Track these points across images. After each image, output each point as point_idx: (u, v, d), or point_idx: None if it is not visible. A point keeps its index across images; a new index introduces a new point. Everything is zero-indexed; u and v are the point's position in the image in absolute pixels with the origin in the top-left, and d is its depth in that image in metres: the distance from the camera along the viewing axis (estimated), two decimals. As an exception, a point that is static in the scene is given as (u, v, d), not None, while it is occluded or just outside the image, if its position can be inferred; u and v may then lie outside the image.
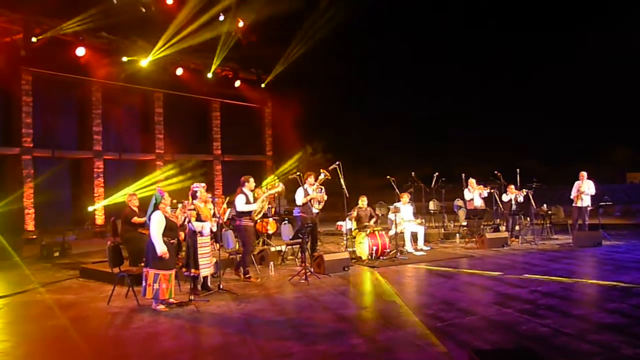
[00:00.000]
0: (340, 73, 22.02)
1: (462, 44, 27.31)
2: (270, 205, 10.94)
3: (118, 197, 15.82)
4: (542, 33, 27.57)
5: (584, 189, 13.20)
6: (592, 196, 13.34)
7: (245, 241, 9.29)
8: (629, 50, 25.25)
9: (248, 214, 9.08)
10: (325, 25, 18.76)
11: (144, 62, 16.02)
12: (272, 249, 10.95)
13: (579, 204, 13.30)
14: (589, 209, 13.36)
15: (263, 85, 20.22)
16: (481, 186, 13.70)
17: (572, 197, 13.48)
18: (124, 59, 15.66)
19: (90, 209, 16.11)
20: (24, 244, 12.84)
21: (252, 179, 9.37)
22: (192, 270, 7.70)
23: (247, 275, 9.12)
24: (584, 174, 13.40)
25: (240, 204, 9.04)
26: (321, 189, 10.59)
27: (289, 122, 21.14)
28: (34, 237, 13.92)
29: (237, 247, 10.30)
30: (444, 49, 27.18)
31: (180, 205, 7.56)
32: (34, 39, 13.58)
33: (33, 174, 15.04)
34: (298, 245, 10.67)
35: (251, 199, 9.14)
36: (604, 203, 14.39)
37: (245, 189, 9.17)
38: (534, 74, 27.65)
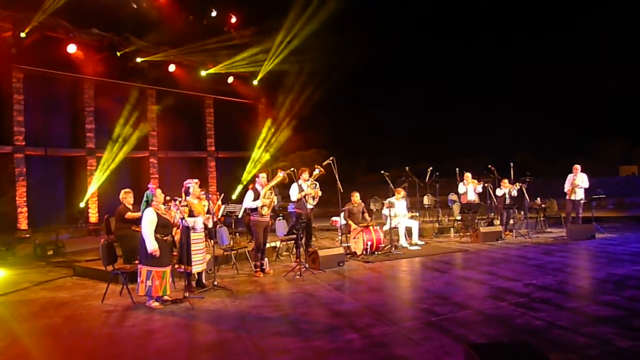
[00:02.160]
0: (333, 68, 21.99)
1: (457, 40, 27.34)
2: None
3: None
4: (536, 29, 27.65)
5: (578, 182, 13.24)
6: (585, 189, 13.39)
7: (253, 236, 9.49)
8: (622, 45, 25.35)
9: (256, 209, 9.11)
10: (317, 18, 18.69)
11: (138, 59, 15.97)
12: (267, 244, 10.92)
13: (572, 197, 13.35)
14: (582, 202, 13.42)
15: (255, 82, 20.16)
16: (475, 181, 13.73)
17: (565, 190, 13.52)
18: (118, 54, 15.53)
19: (81, 204, 16.02)
20: (17, 243, 12.77)
21: (263, 175, 9.44)
22: (185, 267, 7.68)
23: (256, 270, 9.16)
24: (578, 167, 13.45)
25: (247, 200, 9.27)
26: (315, 185, 10.57)
27: (283, 118, 21.13)
28: (27, 235, 13.86)
29: (231, 244, 10.29)
30: (440, 45, 27.21)
31: (172, 203, 7.53)
32: (22, 34, 13.40)
33: (25, 173, 14.95)
34: (292, 241, 10.68)
35: (262, 194, 9.17)
36: (597, 196, 14.44)
37: (257, 186, 9.25)
38: (527, 69, 27.71)
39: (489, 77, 28.13)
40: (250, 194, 9.22)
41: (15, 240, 13.08)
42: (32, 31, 13.69)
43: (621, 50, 25.78)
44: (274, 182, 9.51)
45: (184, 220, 7.51)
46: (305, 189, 10.33)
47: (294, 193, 10.35)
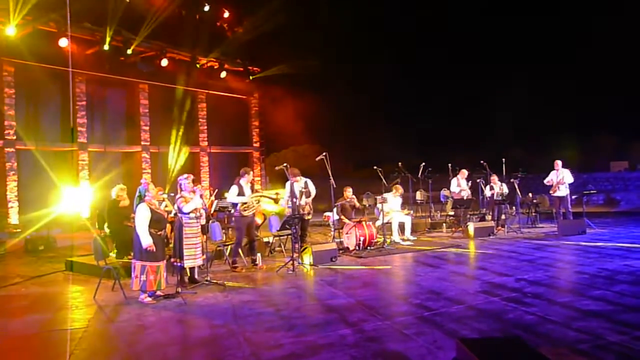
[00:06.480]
0: (325, 63, 21.96)
1: (450, 33, 27.37)
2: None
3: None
4: (528, 17, 27.72)
5: (566, 180, 13.24)
6: (570, 184, 13.40)
7: (236, 232, 9.42)
8: (615, 42, 25.47)
9: (237, 205, 9.09)
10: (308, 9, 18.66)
11: (129, 51, 15.86)
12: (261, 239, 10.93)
13: (558, 194, 13.38)
14: (569, 197, 13.44)
15: (251, 78, 20.12)
16: (464, 171, 13.88)
17: (546, 182, 13.55)
18: (106, 47, 15.37)
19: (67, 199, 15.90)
20: (7, 238, 12.70)
21: (251, 172, 9.41)
22: (177, 260, 7.66)
23: (234, 265, 9.15)
24: (559, 162, 13.48)
25: (231, 194, 9.18)
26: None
27: (276, 113, 21.08)
28: (19, 230, 13.77)
29: (223, 239, 10.29)
30: (431, 37, 27.23)
31: (166, 197, 7.52)
32: (11, 28, 13.24)
33: (16, 167, 14.85)
34: (285, 237, 10.69)
35: (245, 191, 9.15)
36: (588, 192, 14.53)
37: (242, 181, 9.21)
38: (521, 66, 27.76)
39: (485, 75, 28.18)
40: (234, 189, 9.14)
41: (5, 235, 13.00)
42: (23, 25, 13.56)
43: (614, 46, 25.91)
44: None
45: (181, 214, 7.50)
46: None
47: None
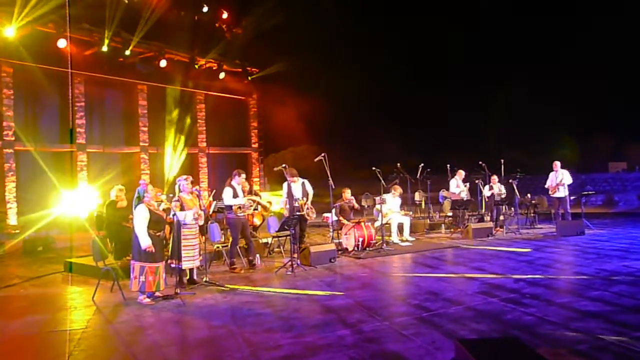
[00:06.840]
0: (325, 63, 21.97)
1: (450, 33, 27.37)
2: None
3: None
4: (528, 17, 27.73)
5: (565, 182, 13.26)
6: (568, 185, 13.41)
7: (230, 233, 9.41)
8: (611, 43, 25.48)
9: (231, 207, 9.09)
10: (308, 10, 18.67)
11: (127, 52, 15.85)
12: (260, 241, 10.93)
13: (557, 195, 13.41)
14: (567, 197, 13.46)
15: (250, 78, 20.12)
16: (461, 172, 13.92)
17: (547, 187, 13.57)
18: (104, 48, 15.36)
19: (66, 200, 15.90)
20: (6, 239, 12.69)
21: (243, 174, 9.39)
22: (176, 262, 7.66)
23: (233, 267, 9.16)
24: (558, 163, 13.50)
25: (227, 197, 9.13)
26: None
27: (275, 114, 21.09)
28: (17, 231, 13.76)
29: (222, 240, 10.29)
30: (430, 37, 27.22)
31: (164, 198, 7.53)
32: (10, 29, 13.25)
33: (15, 168, 14.84)
34: (284, 238, 10.68)
35: (239, 193, 9.15)
36: (586, 193, 14.54)
37: (234, 182, 9.20)
38: (517, 66, 27.77)
39: (482, 75, 28.19)
40: (228, 191, 9.13)
41: (4, 236, 12.99)
42: (22, 26, 13.55)
43: (614, 47, 25.94)
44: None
45: (176, 215, 7.50)
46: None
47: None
